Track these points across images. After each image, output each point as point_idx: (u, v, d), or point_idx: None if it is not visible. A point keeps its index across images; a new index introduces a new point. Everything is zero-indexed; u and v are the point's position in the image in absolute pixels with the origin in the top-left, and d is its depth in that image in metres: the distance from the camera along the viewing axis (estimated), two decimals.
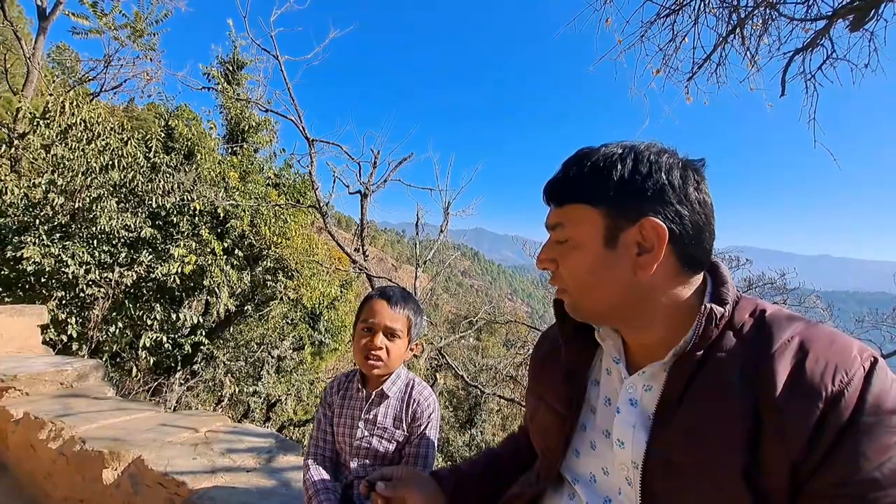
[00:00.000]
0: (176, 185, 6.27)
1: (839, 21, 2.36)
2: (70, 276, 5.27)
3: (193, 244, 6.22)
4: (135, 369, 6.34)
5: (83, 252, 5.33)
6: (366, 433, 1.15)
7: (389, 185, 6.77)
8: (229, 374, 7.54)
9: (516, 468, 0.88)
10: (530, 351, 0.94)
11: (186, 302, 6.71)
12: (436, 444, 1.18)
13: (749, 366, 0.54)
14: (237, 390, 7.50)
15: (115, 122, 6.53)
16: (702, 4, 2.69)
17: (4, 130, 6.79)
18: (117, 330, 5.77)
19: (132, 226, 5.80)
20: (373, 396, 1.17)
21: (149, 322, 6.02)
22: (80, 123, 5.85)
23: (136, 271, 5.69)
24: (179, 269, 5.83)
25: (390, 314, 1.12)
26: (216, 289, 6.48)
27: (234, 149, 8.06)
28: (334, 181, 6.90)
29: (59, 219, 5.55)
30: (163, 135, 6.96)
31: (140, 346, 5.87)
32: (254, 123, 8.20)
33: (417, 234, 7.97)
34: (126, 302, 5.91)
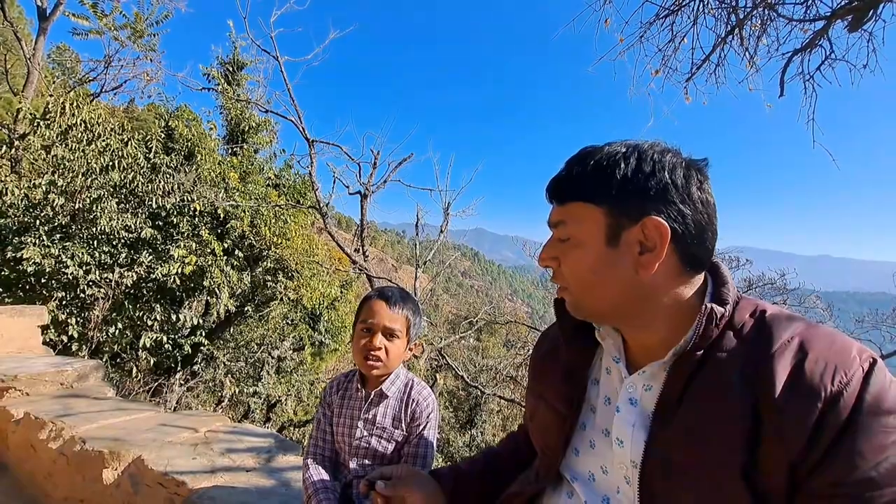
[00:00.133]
0: (176, 186, 6.27)
1: (837, 22, 2.36)
2: (70, 277, 5.27)
3: (193, 245, 6.22)
4: (135, 370, 6.34)
5: (83, 253, 5.33)
6: (365, 433, 1.15)
7: (389, 186, 6.77)
8: (229, 375, 7.54)
9: (516, 467, 0.88)
10: (530, 351, 0.94)
11: (186, 302, 6.71)
12: (435, 445, 1.18)
13: (749, 366, 0.54)
14: (237, 391, 7.50)
15: (115, 123, 6.53)
16: (700, 5, 2.70)
17: (5, 131, 6.80)
18: (117, 330, 5.78)
19: (132, 226, 5.80)
20: (372, 396, 1.17)
21: (149, 323, 6.02)
22: (81, 124, 5.86)
23: (136, 272, 5.69)
24: (179, 270, 5.84)
25: (389, 314, 1.12)
26: (216, 289, 6.48)
27: (235, 149, 8.06)
28: (334, 182, 6.90)
29: (59, 219, 5.55)
30: (163, 135, 6.97)
31: (140, 346, 5.87)
32: (254, 124, 8.20)
33: (417, 234, 7.97)
34: (126, 303, 5.91)
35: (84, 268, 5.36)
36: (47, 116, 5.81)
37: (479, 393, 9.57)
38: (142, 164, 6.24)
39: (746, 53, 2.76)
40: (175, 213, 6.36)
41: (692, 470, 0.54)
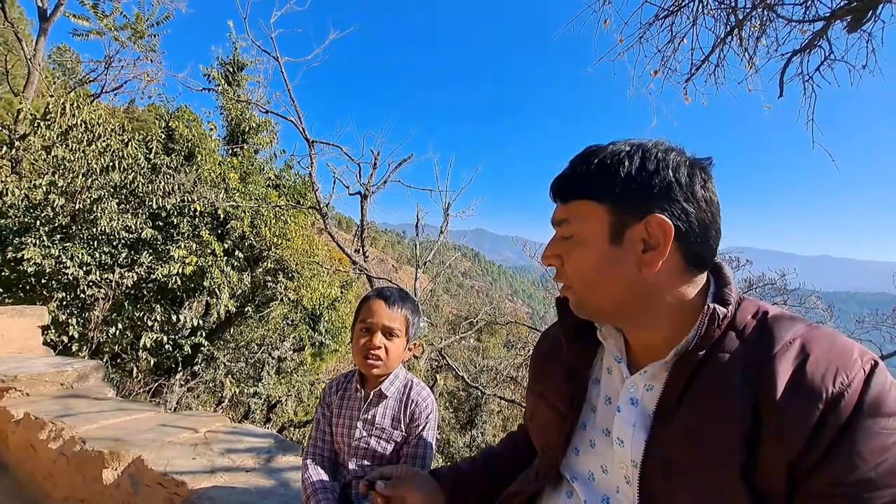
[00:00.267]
0: (176, 187, 6.28)
1: (837, 22, 2.36)
2: (71, 278, 5.28)
3: (194, 245, 6.23)
4: (135, 370, 6.34)
5: (84, 253, 5.34)
6: (364, 433, 1.15)
7: (389, 187, 6.76)
8: (230, 376, 7.55)
9: (515, 467, 0.88)
10: (531, 352, 0.94)
11: (187, 303, 6.71)
12: (434, 445, 1.18)
13: (751, 367, 0.54)
14: (237, 391, 7.50)
15: (115, 124, 6.53)
16: (700, 6, 2.70)
17: (5, 132, 6.80)
18: (118, 331, 5.78)
19: (133, 227, 5.80)
20: (371, 396, 1.17)
21: (149, 323, 6.02)
22: (81, 125, 5.87)
23: (136, 272, 5.69)
24: (180, 271, 5.84)
25: (388, 314, 1.13)
26: (216, 290, 6.48)
27: (235, 150, 8.06)
28: (334, 182, 6.90)
29: (59, 220, 5.55)
30: (163, 136, 6.98)
31: (140, 347, 5.87)
32: (254, 125, 8.20)
33: (418, 235, 7.97)
34: (126, 303, 5.92)
35: (84, 268, 5.36)
36: (48, 117, 5.81)
37: (479, 393, 9.57)
38: (142, 165, 6.25)
39: (746, 54, 2.77)
40: (175, 213, 6.36)
41: (692, 470, 0.54)
